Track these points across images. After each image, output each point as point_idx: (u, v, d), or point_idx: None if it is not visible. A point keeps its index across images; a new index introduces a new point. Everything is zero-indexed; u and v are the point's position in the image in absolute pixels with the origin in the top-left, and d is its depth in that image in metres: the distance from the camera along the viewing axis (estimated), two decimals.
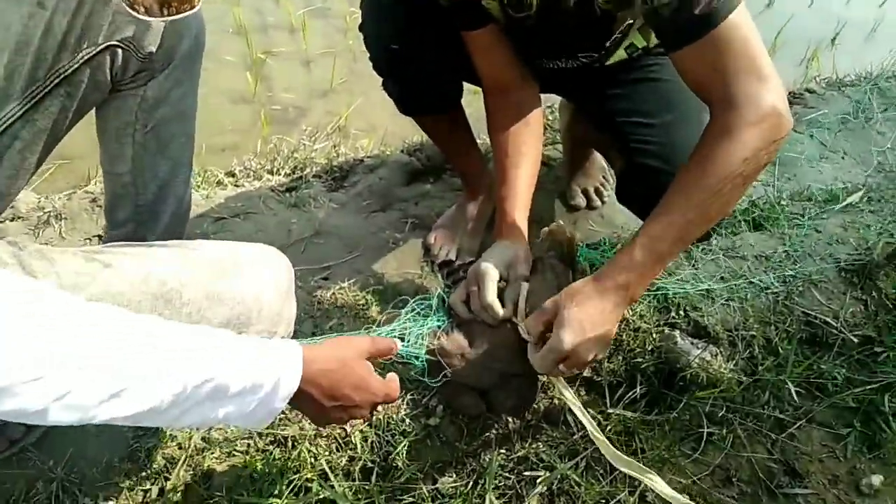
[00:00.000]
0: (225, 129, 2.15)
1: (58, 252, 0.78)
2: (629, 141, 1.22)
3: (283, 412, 1.13)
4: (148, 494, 1.04)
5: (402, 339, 1.06)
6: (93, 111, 1.03)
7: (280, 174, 1.85)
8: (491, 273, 1.04)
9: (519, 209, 1.13)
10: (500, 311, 1.03)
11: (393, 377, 0.91)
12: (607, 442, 1.00)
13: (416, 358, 1.06)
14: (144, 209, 1.11)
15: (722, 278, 1.37)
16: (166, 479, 1.05)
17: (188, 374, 0.64)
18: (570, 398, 1.04)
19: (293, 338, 0.93)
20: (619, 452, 0.99)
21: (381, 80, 1.35)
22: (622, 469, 0.98)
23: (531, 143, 1.19)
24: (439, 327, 1.09)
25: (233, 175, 1.84)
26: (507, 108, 1.20)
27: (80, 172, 1.79)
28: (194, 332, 0.68)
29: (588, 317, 0.91)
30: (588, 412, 1.04)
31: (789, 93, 2.37)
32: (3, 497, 1.02)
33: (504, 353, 1.05)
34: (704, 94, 0.97)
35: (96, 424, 1.08)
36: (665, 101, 1.22)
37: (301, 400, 0.76)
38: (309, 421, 1.01)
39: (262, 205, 1.67)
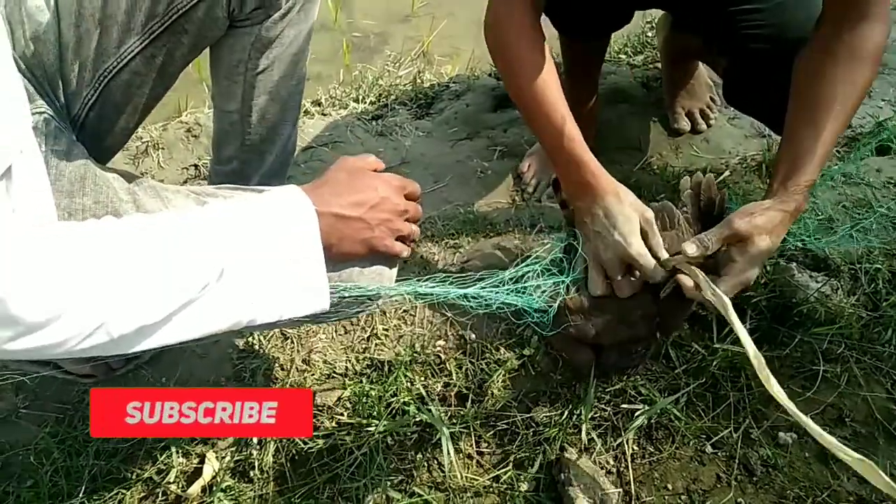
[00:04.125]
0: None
1: (172, 191, 0.79)
2: (739, 29, 1.11)
3: (378, 337, 1.15)
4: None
5: (523, 292, 0.97)
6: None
7: (365, 102, 1.83)
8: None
9: (592, 156, 0.99)
10: (652, 262, 0.93)
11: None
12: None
13: (540, 312, 0.97)
14: (250, 148, 1.11)
15: (844, 207, 1.26)
16: None
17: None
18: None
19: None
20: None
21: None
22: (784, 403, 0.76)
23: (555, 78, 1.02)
24: (564, 283, 1.00)
25: (319, 104, 1.83)
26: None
27: (172, 104, 1.82)
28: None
29: (775, 244, 0.91)
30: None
31: None
32: None
33: (634, 318, 0.99)
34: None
35: (200, 345, 1.14)
36: None
37: (331, 228, 0.73)
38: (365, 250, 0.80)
39: (348, 133, 1.66)
